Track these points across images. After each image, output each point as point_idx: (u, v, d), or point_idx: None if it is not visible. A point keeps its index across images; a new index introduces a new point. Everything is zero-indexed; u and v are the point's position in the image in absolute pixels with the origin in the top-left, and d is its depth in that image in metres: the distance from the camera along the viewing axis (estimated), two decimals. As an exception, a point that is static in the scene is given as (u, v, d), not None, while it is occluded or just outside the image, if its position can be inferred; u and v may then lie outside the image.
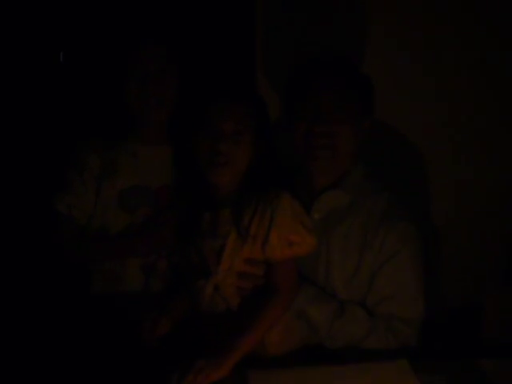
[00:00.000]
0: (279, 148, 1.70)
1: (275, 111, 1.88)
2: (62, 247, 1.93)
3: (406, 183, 2.21)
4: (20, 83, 2.31)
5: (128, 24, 2.06)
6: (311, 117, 1.79)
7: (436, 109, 2.37)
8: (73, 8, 2.30)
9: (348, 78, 1.83)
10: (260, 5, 2.35)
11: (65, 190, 1.92)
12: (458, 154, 2.41)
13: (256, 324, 1.60)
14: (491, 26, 2.30)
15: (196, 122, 1.69)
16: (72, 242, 1.92)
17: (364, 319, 1.74)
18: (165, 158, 1.95)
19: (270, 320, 1.63)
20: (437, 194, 2.41)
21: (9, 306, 2.00)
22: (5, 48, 2.23)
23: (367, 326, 1.72)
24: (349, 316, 1.74)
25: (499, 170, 2.40)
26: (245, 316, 1.65)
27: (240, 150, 1.65)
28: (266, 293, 1.67)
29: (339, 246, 1.80)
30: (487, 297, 2.00)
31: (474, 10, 2.29)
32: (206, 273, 1.71)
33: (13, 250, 2.22)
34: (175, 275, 1.92)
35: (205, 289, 1.71)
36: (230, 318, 1.70)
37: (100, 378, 1.63)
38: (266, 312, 1.62)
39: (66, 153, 1.98)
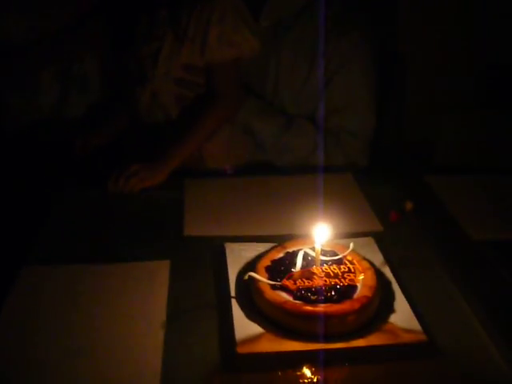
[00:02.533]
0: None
1: None
2: None
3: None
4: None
5: None
6: None
7: None
8: None
9: None
10: None
11: None
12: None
13: (193, 132, 1.53)
14: None
15: None
16: None
17: (312, 133, 1.66)
18: None
19: (207, 128, 1.54)
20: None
21: None
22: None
23: (315, 139, 1.64)
24: (296, 130, 1.66)
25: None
26: (184, 125, 1.56)
27: None
28: (206, 101, 1.56)
29: (289, 56, 1.67)
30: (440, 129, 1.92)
31: None
32: (142, 79, 1.59)
33: None
34: (112, 85, 1.78)
35: (141, 96, 1.60)
36: (170, 128, 1.60)
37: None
38: (203, 119, 1.54)
39: None
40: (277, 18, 1.66)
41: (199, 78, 1.58)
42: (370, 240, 1.16)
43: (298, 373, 0.87)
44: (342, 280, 0.93)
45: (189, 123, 1.54)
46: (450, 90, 2.21)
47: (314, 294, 0.92)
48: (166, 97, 1.59)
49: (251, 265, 1.04)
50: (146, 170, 1.42)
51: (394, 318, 0.94)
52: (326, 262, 0.99)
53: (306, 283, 0.92)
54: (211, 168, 1.64)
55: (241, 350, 0.87)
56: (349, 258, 0.99)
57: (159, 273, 1.07)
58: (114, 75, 1.73)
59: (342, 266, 0.96)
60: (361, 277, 0.95)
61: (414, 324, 0.93)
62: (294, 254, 1.01)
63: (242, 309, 0.96)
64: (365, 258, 1.04)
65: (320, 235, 0.95)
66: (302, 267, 0.97)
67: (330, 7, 1.63)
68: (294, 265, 0.97)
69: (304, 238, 1.06)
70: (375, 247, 1.13)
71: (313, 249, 0.99)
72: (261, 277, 0.96)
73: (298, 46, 1.65)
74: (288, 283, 0.92)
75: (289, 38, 1.65)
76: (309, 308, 0.90)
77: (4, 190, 1.52)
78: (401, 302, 0.98)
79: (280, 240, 1.12)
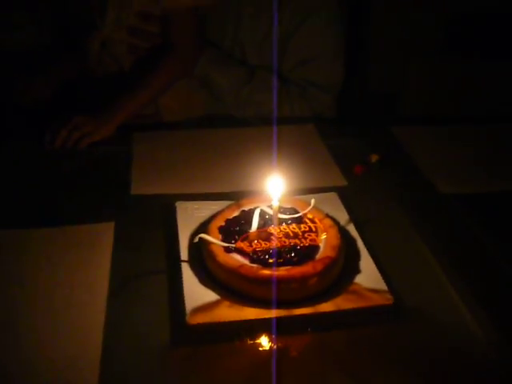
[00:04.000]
0: None
1: None
2: None
3: None
4: None
5: None
6: None
7: None
8: None
9: None
10: None
11: None
12: None
13: (146, 84, 1.40)
14: None
15: None
16: None
17: (275, 86, 1.55)
18: None
19: (162, 82, 1.42)
20: None
21: None
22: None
23: (279, 93, 1.53)
24: (258, 83, 1.54)
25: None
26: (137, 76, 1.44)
27: None
28: (161, 53, 1.44)
29: (251, 5, 1.55)
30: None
31: None
32: (91, 28, 1.46)
33: None
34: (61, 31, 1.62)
35: (91, 45, 1.47)
36: (122, 81, 1.48)
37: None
38: (157, 72, 1.41)
39: None
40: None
41: (154, 28, 1.45)
42: (333, 195, 1.07)
43: (257, 342, 0.79)
44: (303, 240, 0.85)
45: (142, 75, 1.41)
46: (414, 38, 2.14)
47: (271, 256, 0.83)
48: (118, 47, 1.46)
49: (204, 225, 0.95)
50: (91, 123, 1.30)
51: (359, 279, 0.87)
52: (285, 220, 0.90)
53: (263, 245, 0.84)
54: (167, 122, 1.52)
55: (192, 320, 0.78)
56: (310, 216, 0.91)
57: (102, 237, 0.97)
58: (63, 22, 1.57)
59: (302, 225, 0.87)
60: (323, 236, 0.87)
61: (381, 284, 0.86)
62: (251, 213, 0.91)
63: (195, 274, 0.87)
64: (328, 215, 0.95)
65: (276, 190, 0.86)
66: (259, 227, 0.88)
67: None
68: (250, 225, 0.88)
69: (262, 194, 0.96)
70: (339, 203, 1.05)
71: (270, 206, 0.90)
72: (213, 238, 0.86)
73: None
74: (243, 245, 0.83)
75: None
76: (266, 272, 0.81)
77: None
78: (366, 262, 0.91)
79: (236, 198, 1.03)
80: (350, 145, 1.32)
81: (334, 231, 0.89)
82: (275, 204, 0.85)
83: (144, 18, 1.44)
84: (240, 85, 1.55)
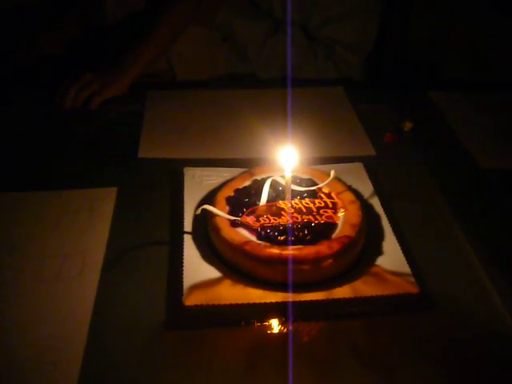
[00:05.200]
0: None
1: None
2: None
3: None
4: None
5: None
6: None
7: None
8: None
9: None
10: None
11: None
12: None
13: (157, 28, 1.27)
14: None
15: None
16: None
17: (302, 42, 1.43)
18: None
19: (170, 25, 1.29)
20: None
21: None
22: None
23: (304, 50, 1.41)
24: (283, 36, 1.42)
25: None
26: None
27: None
28: None
29: None
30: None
31: None
32: None
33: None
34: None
35: None
36: (136, 29, 1.37)
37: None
38: (165, 15, 1.28)
39: None
40: None
41: None
42: (358, 166, 0.97)
43: (261, 327, 0.71)
44: (318, 217, 0.75)
45: (152, 20, 1.30)
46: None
47: (282, 233, 0.74)
48: None
49: (212, 194, 0.86)
50: (101, 80, 1.20)
51: (381, 261, 0.77)
52: (300, 193, 0.80)
53: (272, 220, 0.74)
54: (185, 80, 1.42)
55: (189, 301, 0.70)
56: (325, 190, 0.80)
57: (103, 202, 0.89)
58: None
59: (316, 201, 0.77)
60: (341, 213, 0.77)
61: (405, 268, 0.76)
62: (263, 183, 0.82)
63: (197, 248, 0.78)
64: (351, 189, 0.85)
65: (289, 159, 0.76)
66: (270, 200, 0.78)
67: None
68: (260, 197, 0.79)
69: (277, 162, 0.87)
70: (364, 174, 0.95)
71: (283, 177, 0.80)
72: (218, 210, 0.77)
73: None
74: (249, 220, 0.74)
75: None
76: (274, 250, 0.72)
77: None
78: (390, 242, 0.81)
79: (250, 165, 0.93)
80: (382, 110, 1.20)
81: (354, 207, 0.79)
82: (287, 175, 0.75)
83: None
84: (264, 37, 1.44)
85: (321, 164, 0.95)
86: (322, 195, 0.78)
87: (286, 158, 0.75)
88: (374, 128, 1.12)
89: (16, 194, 0.92)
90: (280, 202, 0.76)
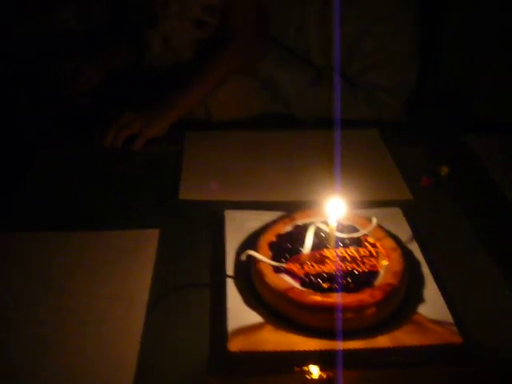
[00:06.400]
0: None
1: None
2: None
3: None
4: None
5: None
6: None
7: None
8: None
9: None
10: None
11: None
12: None
13: (202, 76, 1.33)
14: None
15: None
16: None
17: (342, 87, 1.45)
18: None
19: (216, 73, 1.34)
20: None
21: None
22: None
23: (344, 95, 1.44)
24: (324, 84, 1.45)
25: None
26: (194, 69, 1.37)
27: None
28: (220, 44, 1.37)
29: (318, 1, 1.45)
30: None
31: None
32: (153, 21, 1.40)
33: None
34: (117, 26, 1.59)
35: (152, 40, 1.41)
36: (181, 74, 1.42)
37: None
38: (215, 61, 1.34)
39: None
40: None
41: (217, 21, 1.39)
42: (396, 211, 0.98)
43: (306, 376, 0.71)
44: (361, 265, 0.76)
45: (199, 67, 1.35)
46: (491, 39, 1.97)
47: (325, 280, 0.75)
48: (180, 40, 1.40)
49: (254, 238, 0.88)
50: (142, 121, 1.23)
51: (423, 309, 0.78)
52: (342, 240, 0.81)
53: (316, 268, 0.75)
54: (222, 120, 1.45)
55: (233, 346, 0.71)
56: (370, 240, 0.81)
57: (146, 244, 0.91)
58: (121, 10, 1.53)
59: (361, 250, 0.78)
60: (385, 262, 0.77)
61: (447, 317, 0.76)
62: (305, 228, 0.83)
63: (239, 292, 0.80)
64: (390, 234, 0.86)
65: (335, 208, 0.77)
66: (313, 246, 0.80)
67: None
68: (303, 243, 0.80)
69: (317, 207, 0.88)
70: (402, 220, 0.96)
71: (326, 223, 0.81)
72: (262, 256, 0.79)
73: None
74: (294, 267, 0.75)
75: None
76: (318, 298, 0.73)
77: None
78: (431, 289, 0.81)
79: (290, 208, 0.95)
80: (417, 154, 1.21)
81: (396, 255, 0.80)
82: (332, 223, 0.76)
83: (207, 11, 1.38)
84: (305, 86, 1.47)
85: (358, 207, 0.96)
86: (367, 244, 0.79)
87: (333, 207, 0.76)
88: (410, 172, 1.13)
89: (59, 233, 0.94)
90: (325, 250, 0.77)
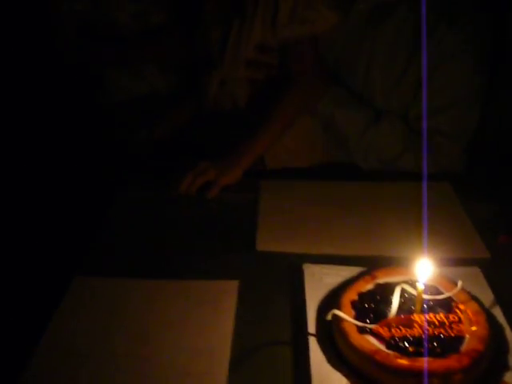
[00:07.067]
0: None
1: None
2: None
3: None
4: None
5: None
6: None
7: None
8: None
9: None
10: None
11: None
12: None
13: (271, 121, 1.35)
14: None
15: None
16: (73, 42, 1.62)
17: (402, 132, 1.45)
18: None
19: (287, 116, 1.37)
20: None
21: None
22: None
23: (405, 140, 1.44)
24: (384, 126, 1.45)
25: None
26: (254, 113, 1.42)
27: None
28: (283, 87, 1.40)
29: (386, 43, 1.45)
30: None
31: None
32: (210, 67, 1.48)
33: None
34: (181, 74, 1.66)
35: (209, 85, 1.48)
36: (238, 117, 1.46)
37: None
38: (281, 106, 1.36)
39: None
40: (375, 1, 1.46)
41: (272, 59, 1.43)
42: (475, 271, 0.97)
43: None
44: (448, 330, 0.76)
45: (262, 112, 1.38)
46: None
47: (411, 343, 0.75)
48: (237, 84, 1.45)
49: (334, 294, 0.88)
50: (216, 168, 1.27)
51: (510, 377, 0.76)
52: (427, 302, 0.81)
53: (403, 331, 0.75)
54: (289, 167, 1.47)
55: (319, 409, 0.72)
56: (461, 306, 0.81)
57: (226, 295, 0.93)
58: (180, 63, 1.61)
59: (451, 316, 0.78)
60: (473, 328, 0.77)
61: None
62: (386, 288, 0.84)
63: (322, 352, 0.80)
64: (473, 297, 0.85)
65: (424, 270, 0.77)
66: (399, 306, 0.80)
67: None
68: (388, 304, 0.80)
69: (398, 265, 0.88)
70: (483, 280, 0.94)
71: (411, 284, 0.81)
72: (346, 315, 0.79)
73: (398, 31, 1.42)
74: (381, 330, 0.76)
75: (387, 22, 1.44)
76: (404, 362, 0.73)
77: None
78: (517, 356, 0.79)
79: (367, 263, 0.95)
80: (493, 209, 1.19)
81: (482, 319, 0.79)
82: (421, 286, 0.76)
83: (262, 51, 1.42)
84: (365, 127, 1.48)
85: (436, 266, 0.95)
86: (458, 311, 0.78)
87: (423, 269, 0.76)
88: (487, 228, 1.12)
89: (139, 280, 0.97)
90: (415, 315, 0.77)
